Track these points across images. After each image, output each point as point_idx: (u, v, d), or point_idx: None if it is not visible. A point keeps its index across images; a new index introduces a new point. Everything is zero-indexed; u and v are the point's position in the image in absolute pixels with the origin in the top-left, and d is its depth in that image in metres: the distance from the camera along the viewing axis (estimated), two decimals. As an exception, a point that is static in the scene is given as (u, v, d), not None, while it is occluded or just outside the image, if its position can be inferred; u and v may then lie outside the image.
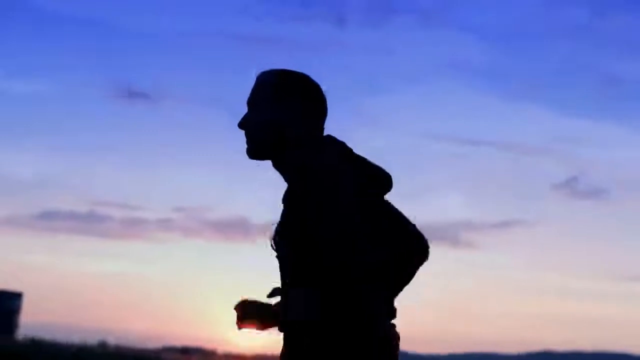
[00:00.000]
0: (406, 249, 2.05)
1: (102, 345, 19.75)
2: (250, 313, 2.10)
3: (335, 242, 1.87)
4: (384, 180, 2.09)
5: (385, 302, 2.03)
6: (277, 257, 2.06)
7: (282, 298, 2.05)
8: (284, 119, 2.08)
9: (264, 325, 2.11)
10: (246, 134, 2.13)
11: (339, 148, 2.07)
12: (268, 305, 2.11)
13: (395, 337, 2.02)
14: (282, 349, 2.05)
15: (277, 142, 2.08)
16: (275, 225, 2.07)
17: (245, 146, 2.13)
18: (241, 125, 2.13)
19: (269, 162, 2.15)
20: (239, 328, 2.11)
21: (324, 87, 2.17)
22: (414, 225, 2.11)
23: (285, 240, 2.00)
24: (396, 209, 2.12)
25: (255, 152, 2.12)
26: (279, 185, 2.16)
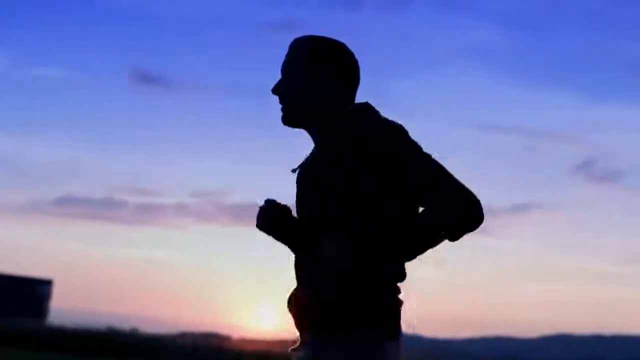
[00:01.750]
0: (476, 215, 1.99)
1: (113, 331, 19.92)
2: (273, 217, 2.12)
3: (448, 177, 1.97)
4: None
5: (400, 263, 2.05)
6: (309, 208, 2.08)
7: (310, 246, 2.06)
8: (317, 86, 2.10)
9: (282, 233, 2.15)
10: (280, 101, 2.14)
11: (379, 113, 2.09)
12: (290, 213, 2.14)
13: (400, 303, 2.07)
14: (304, 300, 2.06)
15: (313, 108, 2.10)
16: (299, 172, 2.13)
17: (280, 113, 2.15)
18: (275, 90, 2.15)
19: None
20: (260, 229, 2.15)
21: None
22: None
23: (330, 193, 2.01)
24: None
25: (289, 118, 2.14)
26: (294, 166, 2.17)
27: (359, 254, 1.97)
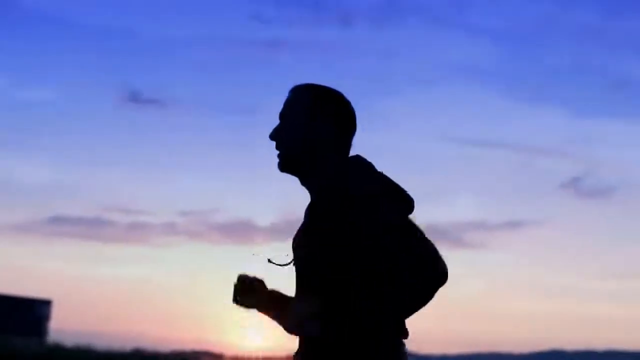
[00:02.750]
0: (436, 273, 1.96)
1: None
2: (249, 290, 2.12)
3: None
4: (411, 203, 2.05)
5: (398, 321, 2.02)
6: (294, 257, 2.07)
7: (295, 301, 2.06)
8: (317, 136, 2.09)
9: (260, 305, 2.14)
10: (278, 147, 2.14)
11: (369, 166, 2.07)
12: (264, 286, 2.14)
13: (405, 356, 2.04)
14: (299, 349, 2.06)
15: (309, 158, 2.10)
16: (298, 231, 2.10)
17: (277, 160, 2.13)
18: (272, 137, 2.14)
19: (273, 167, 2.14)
20: (237, 303, 2.14)
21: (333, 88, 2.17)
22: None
23: (307, 249, 2.01)
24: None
25: (286, 165, 2.13)
26: (283, 188, 2.21)
27: (335, 319, 1.94)
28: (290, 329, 2.05)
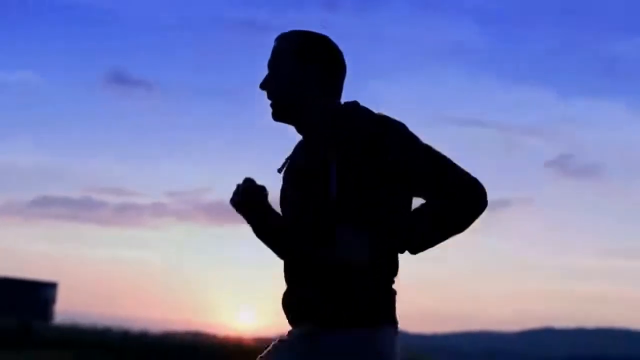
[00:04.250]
0: (482, 194, 1.96)
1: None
2: (253, 195, 2.09)
3: (449, 168, 1.93)
4: None
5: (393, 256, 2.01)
6: (311, 196, 2.00)
7: (319, 233, 1.97)
8: (305, 80, 2.04)
9: (257, 215, 2.12)
10: (269, 96, 2.08)
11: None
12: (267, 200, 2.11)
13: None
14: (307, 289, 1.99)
15: (300, 104, 2.04)
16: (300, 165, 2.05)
17: (270, 109, 2.08)
18: (262, 86, 2.09)
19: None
20: (235, 206, 2.11)
21: None
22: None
23: (337, 181, 1.94)
24: None
25: (279, 113, 2.08)
26: (272, 167, 2.12)
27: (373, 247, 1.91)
28: (335, 258, 1.93)
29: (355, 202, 1.93)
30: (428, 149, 1.95)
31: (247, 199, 2.10)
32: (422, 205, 1.95)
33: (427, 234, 1.93)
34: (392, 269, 1.99)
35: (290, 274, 2.04)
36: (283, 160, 2.13)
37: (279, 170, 2.11)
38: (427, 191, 1.94)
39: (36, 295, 30.82)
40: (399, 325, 2.01)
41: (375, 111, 2.01)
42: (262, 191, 2.11)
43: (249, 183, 2.11)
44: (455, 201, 1.92)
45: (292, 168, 2.09)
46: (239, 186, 2.11)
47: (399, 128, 1.96)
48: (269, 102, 2.08)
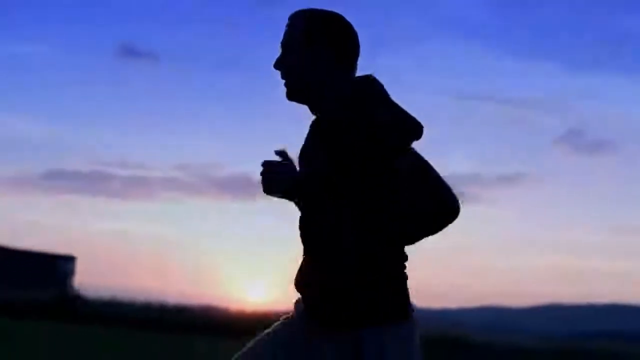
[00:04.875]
0: (453, 207, 1.98)
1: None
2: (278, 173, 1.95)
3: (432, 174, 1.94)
4: (419, 128, 1.96)
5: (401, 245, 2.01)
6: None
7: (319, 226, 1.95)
8: (318, 60, 2.02)
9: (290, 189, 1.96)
10: (283, 76, 2.06)
11: (380, 91, 1.99)
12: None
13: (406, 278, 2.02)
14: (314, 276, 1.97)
15: (315, 82, 2.02)
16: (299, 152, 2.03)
17: (284, 88, 2.07)
18: (276, 66, 2.07)
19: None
20: (268, 193, 1.97)
21: None
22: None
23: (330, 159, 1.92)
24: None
25: (293, 93, 2.06)
26: (283, 141, 2.07)
27: (363, 238, 1.91)
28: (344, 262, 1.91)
29: (358, 185, 1.91)
30: (418, 156, 1.95)
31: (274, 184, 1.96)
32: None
33: (393, 234, 1.94)
34: (400, 260, 1.97)
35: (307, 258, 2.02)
36: (294, 135, 2.12)
37: (277, 152, 2.03)
38: (410, 193, 1.94)
39: (55, 268, 31.05)
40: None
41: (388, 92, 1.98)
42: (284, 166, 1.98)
43: (267, 165, 1.97)
44: (432, 212, 1.95)
45: (303, 150, 2.07)
46: (262, 174, 1.96)
47: (398, 129, 1.92)
48: (283, 81, 2.06)
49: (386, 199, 1.93)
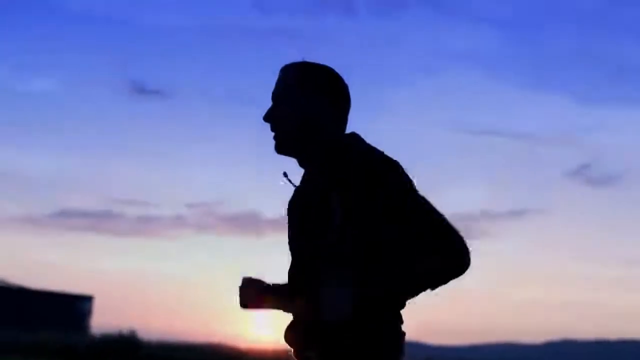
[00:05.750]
0: (463, 261, 1.85)
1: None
2: (255, 292, 2.04)
3: (444, 225, 1.84)
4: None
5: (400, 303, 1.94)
6: (314, 246, 1.92)
7: (308, 293, 1.91)
8: (310, 114, 1.97)
9: (267, 304, 2.05)
10: (273, 129, 2.01)
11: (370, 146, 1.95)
12: (268, 285, 2.06)
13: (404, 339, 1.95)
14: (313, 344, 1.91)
15: (305, 137, 1.97)
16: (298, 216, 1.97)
17: (273, 142, 2.01)
18: (266, 118, 2.01)
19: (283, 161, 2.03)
20: (245, 307, 2.06)
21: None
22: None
23: (338, 231, 1.86)
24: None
25: (282, 146, 2.00)
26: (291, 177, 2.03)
27: (357, 299, 1.83)
28: (325, 317, 1.85)
29: (354, 239, 1.85)
30: (422, 197, 1.87)
31: (254, 299, 2.04)
32: (408, 260, 1.85)
33: (408, 289, 1.86)
34: (396, 309, 1.91)
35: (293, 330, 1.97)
36: (300, 174, 2.05)
37: (285, 174, 2.02)
38: (415, 238, 1.84)
39: (73, 308, 30.96)
40: (420, 339, 1.96)
41: (375, 145, 1.93)
42: (263, 287, 2.04)
43: (247, 284, 2.04)
44: (441, 261, 1.82)
45: (295, 204, 2.02)
46: (240, 288, 2.05)
47: (396, 168, 1.87)
48: (272, 134, 2.00)
49: (387, 255, 1.85)
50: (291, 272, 2.00)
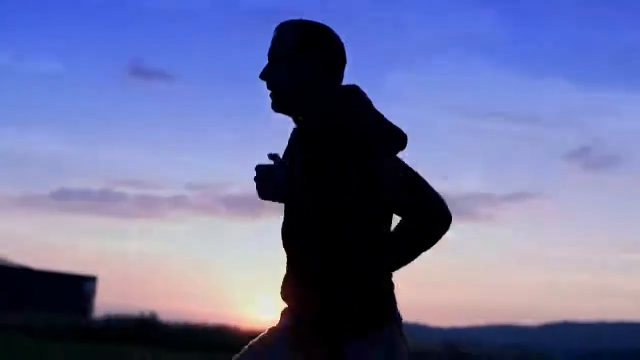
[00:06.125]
0: (446, 217, 1.89)
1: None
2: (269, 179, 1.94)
3: (418, 181, 1.87)
4: (404, 138, 1.95)
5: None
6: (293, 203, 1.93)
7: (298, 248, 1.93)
8: (305, 71, 1.98)
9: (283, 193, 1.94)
10: (269, 87, 2.02)
11: (365, 100, 1.97)
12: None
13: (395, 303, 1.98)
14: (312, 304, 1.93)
15: (301, 94, 1.98)
16: (281, 163, 1.96)
17: (270, 100, 2.02)
18: (262, 76, 2.02)
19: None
20: (263, 197, 1.97)
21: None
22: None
23: (313, 186, 1.89)
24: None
25: (278, 104, 2.01)
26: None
27: (340, 254, 1.87)
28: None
29: (343, 194, 1.86)
30: (405, 165, 1.90)
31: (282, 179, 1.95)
32: (395, 230, 1.90)
33: (399, 259, 1.89)
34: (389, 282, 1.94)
35: (293, 268, 1.98)
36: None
37: (270, 156, 2.00)
38: (395, 207, 1.88)
39: (77, 289, 31.01)
40: (419, 320, 1.99)
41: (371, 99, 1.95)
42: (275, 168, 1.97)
43: (259, 169, 1.97)
44: (422, 225, 1.85)
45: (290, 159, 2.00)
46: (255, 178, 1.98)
47: (378, 132, 1.89)
48: (268, 92, 2.01)
49: (371, 208, 1.88)
50: (282, 228, 2.01)
